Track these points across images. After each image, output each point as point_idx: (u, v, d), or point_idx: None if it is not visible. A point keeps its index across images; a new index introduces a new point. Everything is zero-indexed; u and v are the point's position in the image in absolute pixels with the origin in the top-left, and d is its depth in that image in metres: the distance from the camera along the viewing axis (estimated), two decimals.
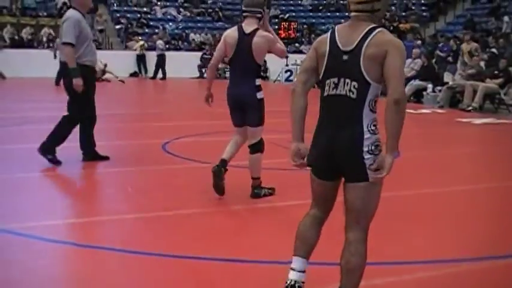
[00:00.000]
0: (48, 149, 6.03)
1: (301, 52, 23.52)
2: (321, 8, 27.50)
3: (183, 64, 22.04)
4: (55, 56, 17.89)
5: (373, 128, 2.58)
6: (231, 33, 4.79)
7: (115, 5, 25.84)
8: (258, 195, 5.01)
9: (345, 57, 2.58)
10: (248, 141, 4.96)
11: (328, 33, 2.69)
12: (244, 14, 4.81)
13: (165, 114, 11.25)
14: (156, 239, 3.93)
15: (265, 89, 12.91)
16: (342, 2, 27.79)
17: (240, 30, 4.78)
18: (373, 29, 2.58)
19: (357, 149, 2.55)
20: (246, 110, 4.82)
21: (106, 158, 6.39)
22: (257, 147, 4.92)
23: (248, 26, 4.78)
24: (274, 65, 21.70)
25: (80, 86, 5.85)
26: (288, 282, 2.74)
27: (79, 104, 6.01)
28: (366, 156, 2.55)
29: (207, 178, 5.73)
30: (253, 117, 4.82)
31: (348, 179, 2.61)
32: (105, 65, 19.29)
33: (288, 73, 21.65)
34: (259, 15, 4.82)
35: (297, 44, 24.09)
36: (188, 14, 26.40)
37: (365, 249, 2.62)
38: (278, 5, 27.98)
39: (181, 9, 26.56)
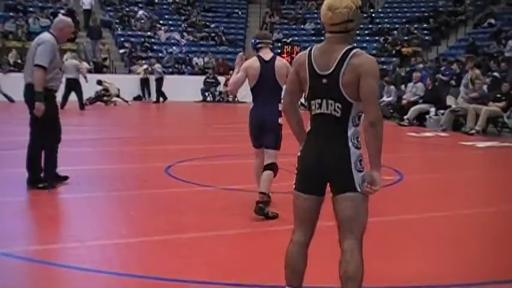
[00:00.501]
0: (50, 180, 6.06)
1: None
2: (323, 32, 27.68)
3: (186, 88, 22.19)
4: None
5: (356, 142, 2.75)
6: (252, 64, 5.31)
7: (119, 29, 26.12)
8: (262, 210, 5.10)
9: (324, 80, 2.74)
10: (265, 161, 5.28)
11: (306, 55, 2.82)
12: (260, 45, 5.42)
13: (168, 138, 11.29)
14: (158, 262, 3.93)
15: None
16: None
17: (260, 59, 5.32)
18: (348, 51, 2.71)
19: (345, 162, 2.72)
20: (266, 133, 5.23)
21: (66, 178, 6.27)
22: (272, 166, 5.23)
23: (266, 54, 5.35)
24: None
25: (41, 110, 5.80)
26: None
27: (42, 125, 5.91)
28: (353, 170, 2.71)
29: (209, 202, 5.74)
30: (272, 140, 5.22)
31: (337, 191, 2.75)
32: (119, 90, 19.62)
33: None
34: (271, 46, 5.47)
35: None
36: (191, 38, 26.64)
37: (361, 258, 2.70)
38: (281, 29, 28.22)
39: (184, 34, 26.81)
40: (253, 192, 6.09)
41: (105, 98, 19.65)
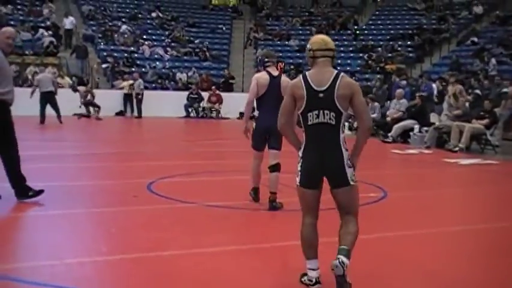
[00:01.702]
0: (22, 191, 6.03)
1: None
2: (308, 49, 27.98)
3: (169, 103, 22.17)
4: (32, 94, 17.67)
5: (345, 145, 3.62)
6: (262, 76, 6.27)
7: (102, 43, 26.04)
8: (276, 207, 6.13)
9: (321, 94, 3.59)
10: (269, 163, 6.24)
11: (301, 79, 3.65)
12: (268, 63, 6.38)
13: (150, 154, 11.24)
14: (138, 280, 3.88)
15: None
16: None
17: (269, 74, 6.28)
18: (338, 73, 3.63)
19: (340, 162, 3.60)
20: (271, 137, 6.17)
21: (41, 192, 6.21)
22: (277, 167, 6.23)
23: (273, 71, 6.32)
24: None
25: None
26: (314, 280, 3.67)
27: None
28: (346, 167, 3.62)
29: (192, 218, 5.71)
30: (276, 142, 6.18)
31: (335, 186, 3.65)
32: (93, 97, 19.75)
33: None
34: (276, 64, 6.57)
35: None
36: (175, 53, 26.67)
37: (357, 226, 3.69)
38: (265, 45, 28.37)
39: (168, 49, 26.83)
40: (237, 209, 6.09)
41: (91, 107, 19.78)
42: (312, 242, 3.70)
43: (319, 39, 3.76)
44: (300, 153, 3.69)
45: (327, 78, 3.60)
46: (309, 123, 3.62)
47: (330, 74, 3.62)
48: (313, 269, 3.67)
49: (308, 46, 3.73)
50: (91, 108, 20.35)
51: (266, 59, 6.38)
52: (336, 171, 3.60)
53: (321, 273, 3.69)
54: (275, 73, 6.30)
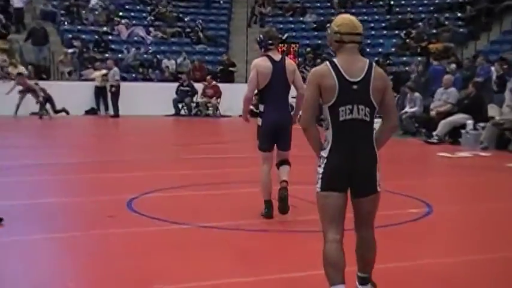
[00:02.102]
0: None
1: (304, 81, 23.58)
2: (328, 25, 27.89)
3: (154, 98, 22.17)
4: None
5: (375, 144, 3.94)
6: (262, 63, 6.46)
7: (65, 23, 26.04)
8: (285, 197, 6.47)
9: (355, 86, 3.81)
10: (278, 159, 6.65)
11: (328, 67, 3.85)
12: (271, 46, 6.59)
13: (131, 163, 11.26)
14: None
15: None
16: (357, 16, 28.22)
17: (271, 59, 6.48)
18: (371, 63, 3.90)
19: (373, 167, 3.88)
20: (281, 135, 6.52)
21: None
22: (287, 162, 6.64)
23: (275, 55, 6.54)
24: None
25: None
26: None
27: None
28: (376, 171, 3.89)
29: (183, 244, 5.73)
30: (286, 142, 6.56)
31: (363, 193, 3.89)
32: (47, 99, 19.72)
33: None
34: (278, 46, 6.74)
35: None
36: (160, 34, 26.73)
37: (376, 245, 4.03)
38: (274, 22, 28.43)
39: (151, 29, 26.89)
40: (239, 231, 6.10)
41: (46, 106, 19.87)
42: (339, 263, 3.82)
43: (347, 20, 3.96)
44: (325, 154, 3.88)
45: (360, 67, 3.86)
46: (340, 119, 3.84)
47: (363, 63, 3.88)
48: None
49: (334, 28, 3.93)
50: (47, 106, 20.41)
51: (270, 41, 6.61)
52: (366, 176, 3.87)
53: None
54: (277, 57, 6.54)
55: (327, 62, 3.89)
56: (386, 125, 4.03)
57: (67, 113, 20.98)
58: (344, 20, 3.95)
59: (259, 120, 6.58)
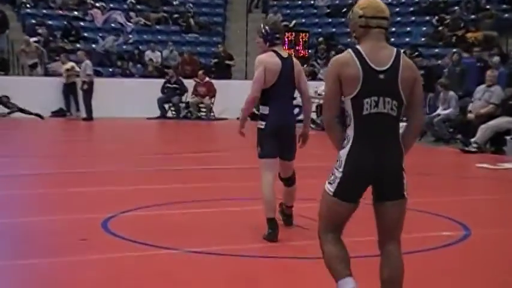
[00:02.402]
0: None
1: (315, 78, 23.58)
2: (344, 11, 27.87)
3: (134, 97, 22.22)
4: None
5: (401, 142, 4.13)
6: (270, 59, 6.71)
7: (27, 6, 26.04)
8: (290, 221, 7.09)
9: (381, 76, 4.00)
10: (283, 175, 6.95)
11: (352, 54, 4.02)
12: (277, 41, 6.89)
13: (107, 175, 11.27)
14: None
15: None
16: None
17: (279, 56, 6.77)
18: (399, 51, 4.09)
19: (400, 168, 4.08)
20: (285, 141, 6.78)
21: None
22: (293, 180, 6.97)
23: (281, 51, 6.85)
24: None
25: None
26: None
27: None
28: (404, 174, 4.08)
29: (170, 273, 5.72)
30: (291, 150, 6.84)
31: (388, 197, 4.08)
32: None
33: (296, 110, 21.71)
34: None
35: (308, 67, 24.29)
36: (143, 21, 26.79)
37: (402, 260, 4.17)
38: (279, 7, 28.49)
39: (132, 14, 26.93)
40: (236, 257, 6.11)
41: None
42: (344, 255, 4.15)
43: (373, 2, 4.14)
44: (344, 155, 4.07)
45: (387, 55, 4.05)
46: (364, 112, 4.03)
47: (390, 51, 4.08)
48: None
49: (358, 11, 4.12)
50: None
51: (277, 35, 6.91)
52: (393, 176, 4.07)
53: None
54: (285, 54, 6.88)
55: (350, 50, 4.06)
56: (412, 123, 4.23)
57: (41, 117, 21.05)
58: (369, 2, 4.11)
59: (261, 124, 6.75)
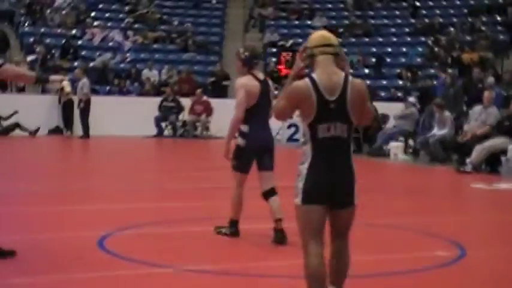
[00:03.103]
0: None
1: None
2: (341, 30, 28.04)
3: (132, 115, 22.26)
4: None
5: (352, 160, 4.64)
6: (250, 82, 7.29)
7: (26, 24, 26.07)
8: (284, 238, 7.13)
9: (332, 105, 4.49)
10: (264, 187, 7.32)
11: (309, 84, 4.52)
12: (255, 65, 7.48)
13: (104, 193, 11.26)
14: None
15: None
16: (372, 22, 28.33)
17: (257, 78, 7.35)
18: (347, 75, 4.55)
19: (352, 178, 4.59)
20: (265, 156, 7.33)
21: (10, 254, 6.48)
22: (275, 190, 7.30)
23: (258, 74, 7.44)
24: (271, 118, 21.86)
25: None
26: None
27: None
28: (355, 185, 4.60)
29: None
30: (271, 161, 7.36)
31: (343, 205, 4.60)
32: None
33: (292, 129, 21.87)
34: None
35: None
36: (141, 39, 26.85)
37: (349, 254, 4.71)
38: (277, 27, 28.58)
39: (129, 33, 27.00)
40: (233, 276, 6.12)
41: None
42: (322, 276, 4.52)
43: (317, 34, 4.76)
44: (304, 169, 4.56)
45: (337, 83, 4.54)
46: (319, 136, 4.55)
47: (339, 77, 4.56)
48: None
49: (306, 44, 4.69)
50: None
51: (255, 59, 7.50)
52: (345, 190, 4.58)
53: None
54: (261, 76, 7.47)
55: (307, 79, 4.56)
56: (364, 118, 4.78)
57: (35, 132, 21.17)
58: (314, 35, 4.74)
59: (241, 141, 7.37)
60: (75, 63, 24.08)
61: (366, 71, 25.62)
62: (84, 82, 21.71)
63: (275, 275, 6.27)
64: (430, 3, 29.41)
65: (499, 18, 26.66)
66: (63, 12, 26.97)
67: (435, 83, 21.33)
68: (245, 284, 6.08)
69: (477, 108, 15.98)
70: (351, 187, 4.57)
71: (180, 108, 23.16)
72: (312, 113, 4.48)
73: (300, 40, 27.52)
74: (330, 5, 30.56)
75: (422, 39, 26.53)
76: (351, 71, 21.14)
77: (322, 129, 4.50)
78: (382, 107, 19.38)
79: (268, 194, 7.28)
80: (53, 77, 7.25)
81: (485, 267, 6.97)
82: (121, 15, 28.26)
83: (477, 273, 6.75)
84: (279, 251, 6.71)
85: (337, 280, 4.67)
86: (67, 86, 22.72)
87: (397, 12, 29.19)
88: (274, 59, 25.81)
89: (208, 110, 23.02)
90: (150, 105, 22.88)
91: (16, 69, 7.70)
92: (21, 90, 22.96)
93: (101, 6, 28.60)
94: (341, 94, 4.49)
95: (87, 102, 21.55)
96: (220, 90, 24.67)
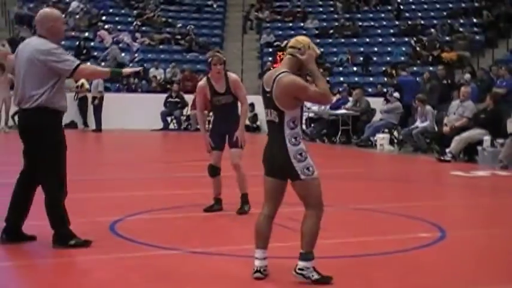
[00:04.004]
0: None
1: None
2: (331, 31, 28.04)
3: (140, 111, 22.26)
4: None
5: (293, 140, 5.14)
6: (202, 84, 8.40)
7: None
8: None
9: (268, 95, 5.22)
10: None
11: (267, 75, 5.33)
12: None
13: (114, 181, 11.27)
14: None
15: (256, 144, 13.19)
16: (359, 23, 28.32)
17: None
18: (277, 73, 5.17)
19: (284, 156, 5.11)
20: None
21: (32, 238, 6.56)
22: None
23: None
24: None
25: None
26: (255, 268, 5.35)
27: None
28: (294, 162, 5.10)
29: (174, 272, 5.74)
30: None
31: (288, 179, 5.22)
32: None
33: None
34: None
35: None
36: (147, 41, 26.82)
37: (314, 221, 5.21)
38: (272, 29, 28.55)
39: (137, 35, 26.97)
40: (237, 258, 6.13)
41: None
42: (263, 233, 5.32)
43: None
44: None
45: (272, 78, 5.20)
46: (266, 119, 5.35)
47: (274, 74, 5.23)
48: (258, 258, 5.34)
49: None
50: None
51: (221, 67, 8.12)
52: (281, 165, 5.15)
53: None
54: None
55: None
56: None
57: None
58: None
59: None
60: (88, 63, 24.01)
61: (355, 68, 25.67)
62: (99, 81, 21.74)
63: (276, 256, 6.27)
64: (413, 6, 29.38)
65: (475, 20, 26.66)
66: (77, 16, 26.94)
67: (418, 79, 21.27)
68: (247, 264, 6.08)
69: (455, 102, 16.04)
70: (286, 163, 5.08)
71: (184, 104, 23.16)
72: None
73: None
74: (321, 9, 30.50)
75: (406, 39, 26.52)
76: (340, 68, 21.18)
77: (266, 114, 5.30)
78: (370, 102, 19.48)
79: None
80: (125, 70, 7.17)
81: (463, 247, 6.99)
82: (130, 19, 28.22)
83: (456, 252, 6.77)
84: (281, 234, 6.72)
85: (301, 240, 5.20)
86: (86, 83, 22.85)
87: (383, 15, 29.15)
88: (270, 58, 25.79)
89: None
90: (157, 101, 22.90)
91: (91, 67, 7.72)
92: None
93: (111, 10, 28.59)
94: (272, 86, 5.14)
95: (101, 99, 21.62)
96: None
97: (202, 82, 8.38)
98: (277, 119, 5.14)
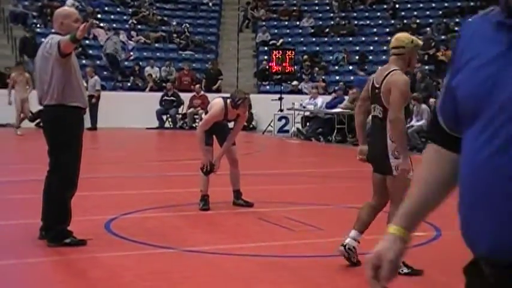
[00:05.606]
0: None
1: (300, 92, 23.72)
2: (326, 30, 28.08)
3: (135, 109, 22.23)
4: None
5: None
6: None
7: (38, 26, 26.03)
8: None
9: (376, 91, 5.49)
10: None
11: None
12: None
13: (109, 180, 11.28)
14: None
15: (252, 143, 13.17)
16: (355, 22, 28.37)
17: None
18: (392, 70, 5.39)
19: (385, 153, 5.45)
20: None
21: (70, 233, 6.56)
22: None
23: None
24: (264, 111, 21.84)
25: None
26: (343, 243, 5.55)
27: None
28: (391, 158, 5.41)
29: (169, 271, 5.74)
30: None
31: (385, 174, 5.54)
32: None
33: (283, 121, 21.67)
34: None
35: (294, 82, 24.42)
36: (143, 39, 26.82)
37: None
38: (267, 27, 28.56)
39: (133, 33, 26.97)
40: (229, 256, 6.14)
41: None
42: (361, 217, 5.69)
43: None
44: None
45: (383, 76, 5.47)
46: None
47: (385, 71, 5.50)
48: (349, 237, 5.63)
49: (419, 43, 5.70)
50: None
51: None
52: (380, 160, 5.58)
53: None
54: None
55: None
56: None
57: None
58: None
59: None
60: (83, 61, 24.01)
61: (350, 67, 25.72)
62: (96, 79, 21.75)
63: (268, 255, 6.29)
64: (409, 5, 29.44)
65: (470, 20, 26.69)
66: None
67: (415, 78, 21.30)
68: (242, 262, 6.11)
69: None
70: (384, 160, 5.53)
71: (179, 102, 23.15)
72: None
73: (290, 39, 27.58)
74: (316, 7, 30.51)
75: None
76: (336, 67, 21.13)
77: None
78: None
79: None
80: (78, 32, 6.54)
81: (458, 246, 6.95)
82: (125, 17, 28.18)
83: (451, 250, 6.75)
84: (272, 232, 6.73)
85: None
86: (84, 82, 22.76)
87: (378, 14, 29.19)
88: (265, 57, 25.79)
89: (205, 104, 22.94)
90: (152, 99, 22.87)
91: (63, 38, 7.24)
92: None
93: (106, 9, 28.54)
94: (381, 83, 5.45)
95: (98, 98, 21.59)
96: (213, 86, 24.54)
97: (220, 108, 8.27)
98: (381, 115, 5.41)
